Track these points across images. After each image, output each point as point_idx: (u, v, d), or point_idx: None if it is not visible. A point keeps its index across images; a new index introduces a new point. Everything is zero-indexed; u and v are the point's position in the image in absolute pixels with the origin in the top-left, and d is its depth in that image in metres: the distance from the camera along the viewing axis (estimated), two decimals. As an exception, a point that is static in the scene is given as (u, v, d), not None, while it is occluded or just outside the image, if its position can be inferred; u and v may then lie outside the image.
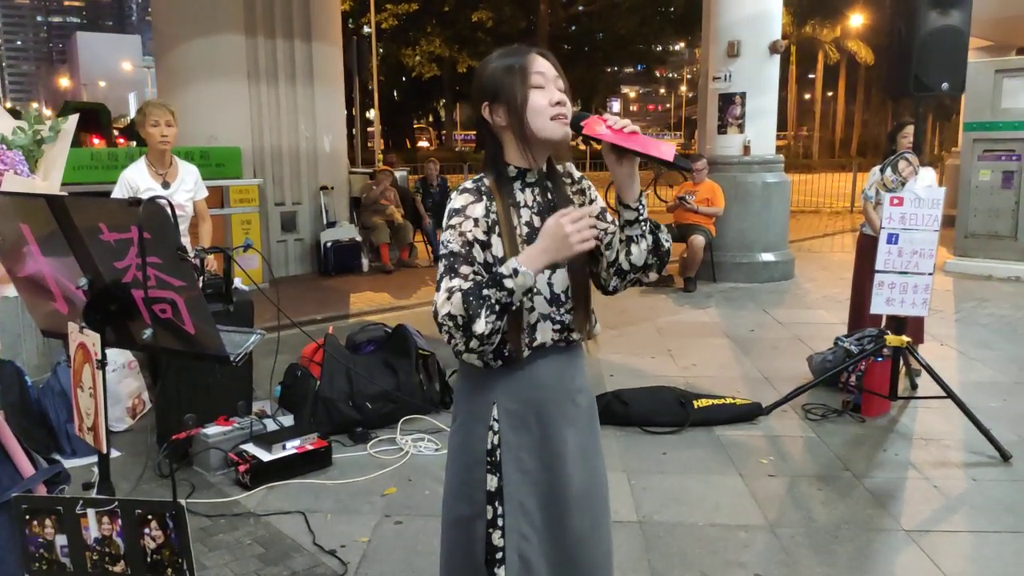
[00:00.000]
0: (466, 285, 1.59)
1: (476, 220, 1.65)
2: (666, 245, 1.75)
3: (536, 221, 1.70)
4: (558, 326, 1.73)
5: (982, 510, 3.22)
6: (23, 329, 4.18)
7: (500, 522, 1.72)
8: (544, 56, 1.68)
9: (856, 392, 4.32)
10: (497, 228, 1.66)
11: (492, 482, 1.73)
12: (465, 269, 1.62)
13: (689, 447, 3.87)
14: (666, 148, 1.58)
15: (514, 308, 1.62)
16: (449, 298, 1.58)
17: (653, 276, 1.77)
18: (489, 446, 1.73)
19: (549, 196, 1.74)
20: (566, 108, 1.66)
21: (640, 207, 1.69)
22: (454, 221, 1.66)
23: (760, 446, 3.89)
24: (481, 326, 1.56)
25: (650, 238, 1.72)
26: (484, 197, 1.68)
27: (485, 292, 1.56)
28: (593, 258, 1.76)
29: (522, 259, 1.58)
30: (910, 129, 4.77)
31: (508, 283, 1.56)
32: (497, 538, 1.73)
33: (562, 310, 1.73)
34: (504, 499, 1.72)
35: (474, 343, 1.58)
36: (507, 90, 1.64)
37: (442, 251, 1.68)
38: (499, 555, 1.73)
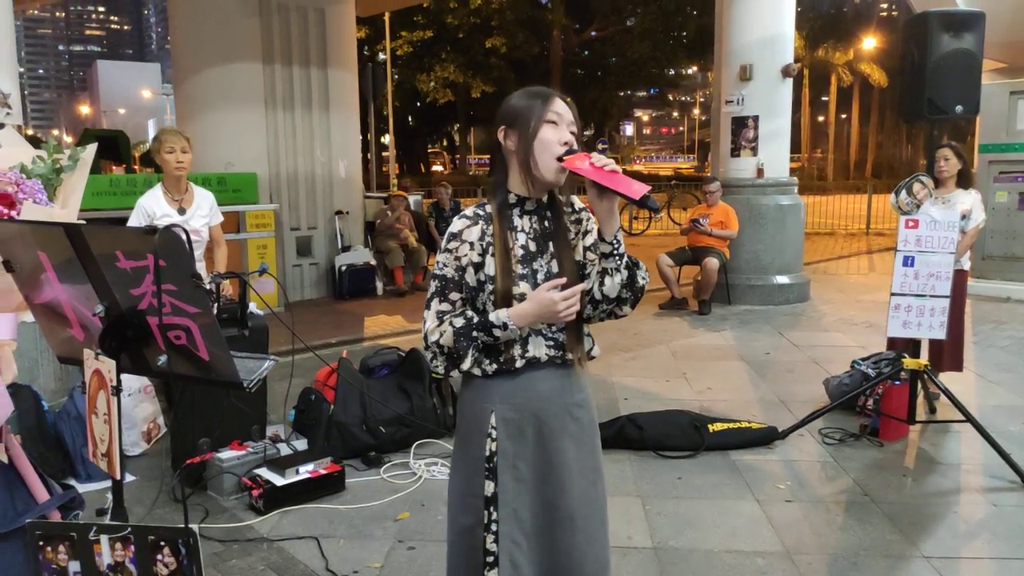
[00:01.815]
0: (459, 322, 1.76)
1: (472, 244, 1.79)
2: (641, 282, 1.82)
3: (532, 245, 1.82)
4: (551, 342, 1.82)
5: (1003, 536, 3.17)
6: (40, 354, 4.22)
7: (494, 527, 1.80)
8: (565, 102, 1.80)
9: (874, 416, 4.27)
10: (491, 249, 1.77)
11: (489, 488, 1.81)
12: (454, 295, 1.80)
13: (704, 472, 3.83)
14: (637, 187, 1.68)
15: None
16: (440, 325, 1.78)
17: (627, 310, 1.85)
18: (487, 453, 1.82)
19: (547, 224, 1.84)
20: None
21: (616, 243, 1.78)
22: (451, 245, 1.80)
23: (776, 471, 3.85)
24: (467, 364, 1.78)
25: (625, 273, 1.79)
26: (481, 221, 1.81)
27: (475, 334, 1.75)
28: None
29: (513, 315, 1.73)
30: (945, 152, 4.70)
31: (497, 332, 1.75)
32: (490, 542, 1.80)
33: (554, 328, 1.82)
34: (499, 505, 1.80)
35: (455, 373, 1.80)
36: (523, 118, 1.77)
37: (435, 271, 1.82)
38: (490, 559, 1.80)
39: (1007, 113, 8.31)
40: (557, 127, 1.76)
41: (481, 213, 1.82)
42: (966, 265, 4.87)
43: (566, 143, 1.75)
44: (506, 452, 1.80)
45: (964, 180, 4.73)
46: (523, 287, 1.77)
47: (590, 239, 1.86)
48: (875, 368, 4.50)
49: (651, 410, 4.40)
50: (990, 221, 8.49)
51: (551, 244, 1.82)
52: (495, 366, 1.79)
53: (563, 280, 1.74)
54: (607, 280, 1.79)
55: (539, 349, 1.80)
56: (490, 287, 1.76)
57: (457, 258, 1.78)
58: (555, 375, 1.83)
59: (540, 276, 1.79)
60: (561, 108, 1.77)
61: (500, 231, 1.78)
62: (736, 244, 7.98)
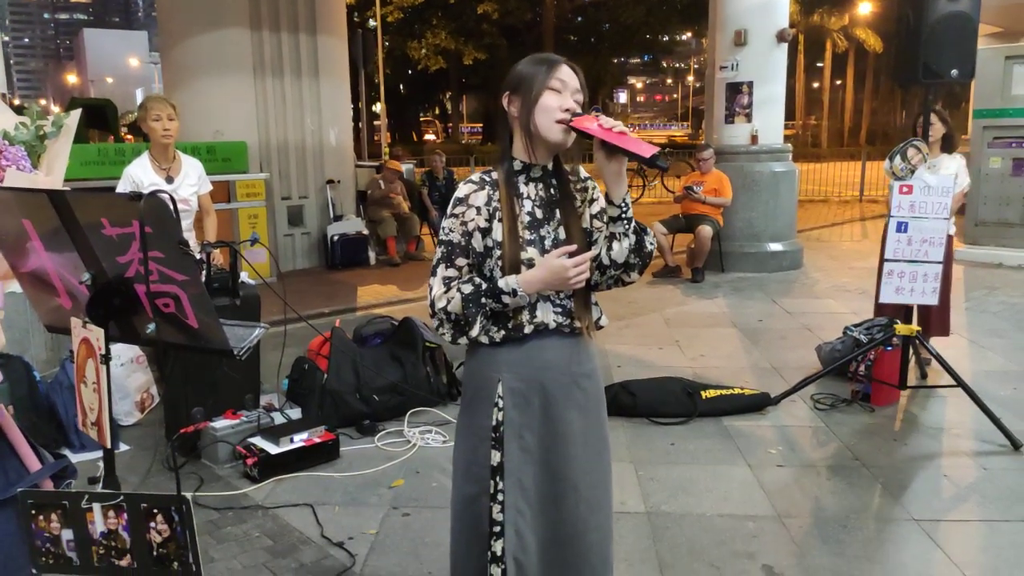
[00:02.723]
0: (467, 288, 1.74)
1: (478, 208, 1.77)
2: (649, 247, 1.80)
3: (538, 212, 1.80)
4: (559, 309, 1.80)
5: (993, 499, 3.20)
6: (31, 324, 4.20)
7: (500, 497, 1.80)
8: (573, 69, 1.78)
9: (865, 382, 4.29)
10: (497, 215, 1.76)
11: (495, 457, 1.81)
12: (461, 261, 1.78)
13: (697, 438, 3.85)
14: (647, 147, 1.67)
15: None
16: (447, 292, 1.75)
17: (635, 276, 1.83)
18: (494, 422, 1.81)
19: (552, 191, 1.82)
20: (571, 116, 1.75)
21: (624, 206, 1.76)
22: (457, 210, 1.78)
23: (769, 436, 3.88)
24: (475, 331, 1.76)
25: (633, 238, 1.78)
26: (487, 186, 1.79)
27: (483, 300, 1.73)
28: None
29: (522, 281, 1.71)
30: (932, 116, 4.69)
31: (505, 299, 1.73)
32: (496, 512, 1.80)
33: (562, 295, 1.80)
34: (505, 474, 1.79)
35: (463, 340, 1.78)
36: (525, 84, 1.75)
37: (442, 236, 1.80)
38: (497, 528, 1.80)
39: (1002, 78, 8.27)
40: (560, 94, 1.74)
41: (487, 179, 1.80)
42: (951, 230, 4.87)
43: (567, 110, 1.73)
44: (512, 422, 1.79)
45: (948, 144, 4.72)
46: (531, 252, 1.76)
47: (596, 207, 1.84)
48: (867, 334, 4.51)
49: (644, 377, 4.41)
50: (984, 187, 8.52)
51: (558, 211, 1.81)
52: (503, 332, 1.77)
53: (573, 247, 1.73)
54: (615, 245, 1.77)
55: (547, 315, 1.78)
56: (498, 252, 1.75)
57: (464, 223, 1.77)
58: (563, 344, 1.81)
59: (547, 243, 1.78)
60: (566, 75, 1.75)
61: (507, 196, 1.76)
62: (729, 211, 7.97)
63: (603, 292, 1.87)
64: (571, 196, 1.82)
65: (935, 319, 4.73)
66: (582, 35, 37.31)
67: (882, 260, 5.14)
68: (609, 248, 1.78)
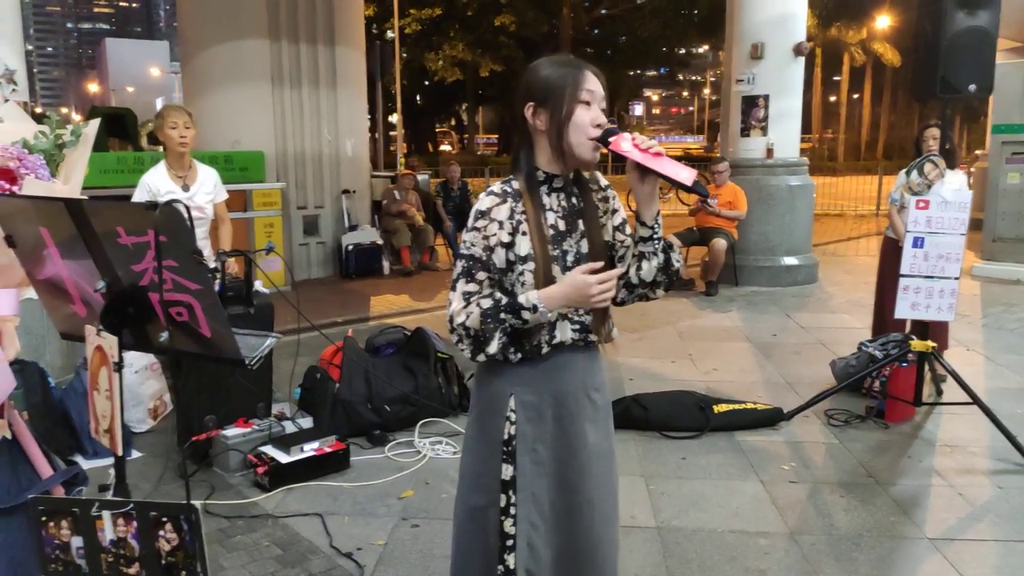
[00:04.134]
0: (486, 303, 1.69)
1: (501, 223, 1.71)
2: (676, 265, 1.79)
3: (560, 224, 1.76)
4: (577, 326, 1.77)
5: (1008, 518, 3.16)
6: (47, 331, 4.24)
7: (513, 511, 1.77)
8: (596, 75, 1.72)
9: (880, 398, 4.25)
10: (521, 228, 1.71)
11: (507, 471, 1.78)
12: (482, 275, 1.72)
13: (709, 452, 3.83)
14: (686, 173, 1.62)
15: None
16: (467, 307, 1.70)
17: (660, 293, 1.82)
18: (506, 436, 1.78)
19: (575, 201, 1.78)
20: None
21: (655, 226, 1.73)
22: (479, 224, 1.73)
23: (781, 452, 3.85)
24: (494, 347, 1.69)
25: (662, 257, 1.76)
26: (509, 199, 1.73)
27: (503, 316, 1.67)
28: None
29: (543, 297, 1.65)
30: (934, 131, 4.70)
31: (525, 315, 1.66)
32: (509, 526, 1.78)
33: (581, 311, 1.77)
34: (517, 488, 1.77)
35: (481, 356, 1.72)
36: (555, 98, 1.69)
37: (463, 250, 1.75)
38: (510, 542, 1.78)
39: (1021, 93, 8.22)
40: (590, 107, 1.69)
41: (509, 190, 1.74)
42: None
43: (599, 125, 1.69)
44: (525, 435, 1.77)
45: (950, 160, 4.70)
46: (553, 269, 1.71)
47: (618, 218, 1.81)
48: (882, 350, 4.47)
49: (656, 391, 4.39)
50: (1002, 202, 8.44)
51: (580, 223, 1.76)
52: (520, 355, 1.73)
53: (599, 264, 1.67)
54: (644, 264, 1.75)
55: (565, 333, 1.75)
56: (520, 267, 1.69)
57: (485, 237, 1.71)
58: (576, 358, 1.79)
59: (569, 257, 1.74)
60: (593, 84, 1.70)
61: (533, 209, 1.71)
62: (744, 225, 7.93)
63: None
64: (594, 206, 1.79)
65: (934, 332, 4.68)
66: (599, 47, 37.35)
67: (880, 277, 5.12)
68: (638, 268, 1.76)
